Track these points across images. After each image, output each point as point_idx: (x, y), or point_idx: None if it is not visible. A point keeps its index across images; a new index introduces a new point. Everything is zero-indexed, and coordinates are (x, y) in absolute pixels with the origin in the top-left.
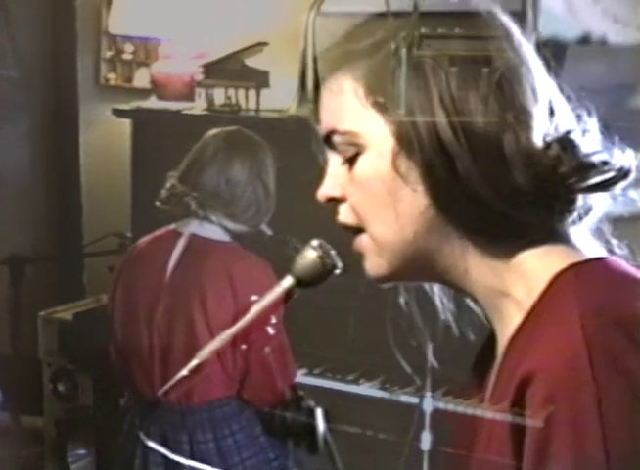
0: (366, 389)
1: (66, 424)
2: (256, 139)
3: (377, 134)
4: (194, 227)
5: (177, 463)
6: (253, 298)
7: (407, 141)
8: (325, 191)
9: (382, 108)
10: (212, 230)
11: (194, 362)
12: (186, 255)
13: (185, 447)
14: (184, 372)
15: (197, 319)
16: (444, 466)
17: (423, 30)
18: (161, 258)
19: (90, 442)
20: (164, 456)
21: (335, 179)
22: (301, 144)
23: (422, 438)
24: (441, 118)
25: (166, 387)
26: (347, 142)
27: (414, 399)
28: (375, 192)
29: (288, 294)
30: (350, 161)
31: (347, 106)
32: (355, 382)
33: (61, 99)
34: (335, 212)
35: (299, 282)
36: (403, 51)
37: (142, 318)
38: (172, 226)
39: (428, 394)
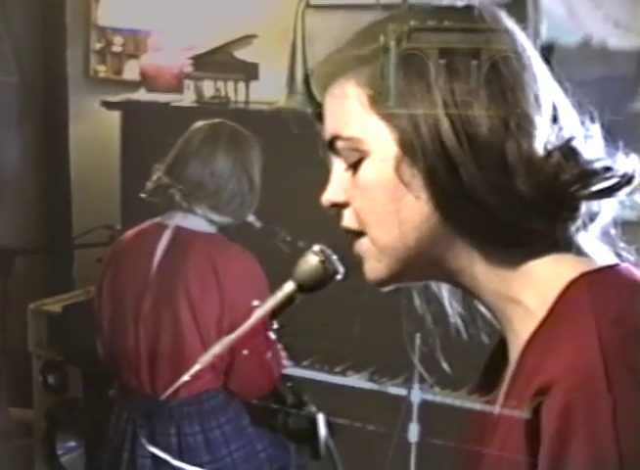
0: (354, 380)
1: (55, 416)
2: (241, 131)
3: (380, 140)
4: (179, 219)
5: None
6: (255, 303)
7: (410, 148)
8: (329, 196)
9: (385, 114)
10: (197, 222)
11: (196, 367)
12: (171, 247)
13: (173, 440)
14: (186, 377)
15: (182, 311)
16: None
17: (412, 23)
18: (147, 251)
19: (80, 434)
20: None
21: (339, 184)
22: (292, 136)
23: (409, 429)
24: (445, 125)
25: (169, 391)
26: (351, 148)
27: (402, 391)
28: (378, 198)
29: (289, 299)
30: (354, 166)
31: (351, 112)
32: (343, 374)
33: (50, 91)
34: (338, 217)
35: (301, 287)
36: (392, 44)
37: (129, 311)
38: (157, 219)
39: (416, 385)
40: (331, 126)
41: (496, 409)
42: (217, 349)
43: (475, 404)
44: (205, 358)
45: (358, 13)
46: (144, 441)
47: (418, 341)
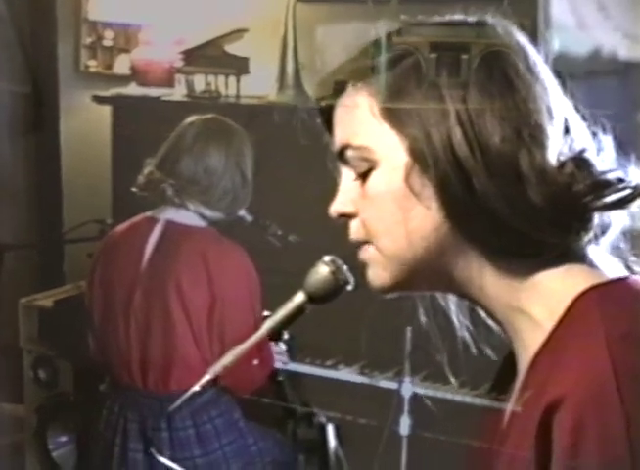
0: (345, 374)
1: (46, 411)
2: (234, 127)
3: (391, 150)
4: (170, 214)
5: (156, 449)
6: (265, 313)
7: (422, 157)
8: (337, 207)
9: (396, 123)
10: (189, 216)
11: (206, 378)
12: (162, 241)
13: (164, 434)
14: (196, 387)
15: (173, 305)
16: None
17: (402, 17)
18: (138, 244)
19: (71, 428)
20: (144, 443)
21: (347, 195)
22: (282, 129)
23: (400, 422)
24: (457, 134)
25: (176, 404)
26: (361, 157)
27: (393, 384)
28: (386, 207)
29: (299, 310)
30: (363, 176)
31: (362, 121)
32: (334, 367)
33: (41, 86)
34: (346, 228)
35: (311, 298)
36: (382, 38)
37: (119, 306)
38: (149, 213)
39: (406, 379)
40: (341, 136)
41: (505, 421)
42: (228, 359)
43: (465, 398)
44: (216, 369)
45: (348, 7)
46: (154, 453)
47: (409, 334)
